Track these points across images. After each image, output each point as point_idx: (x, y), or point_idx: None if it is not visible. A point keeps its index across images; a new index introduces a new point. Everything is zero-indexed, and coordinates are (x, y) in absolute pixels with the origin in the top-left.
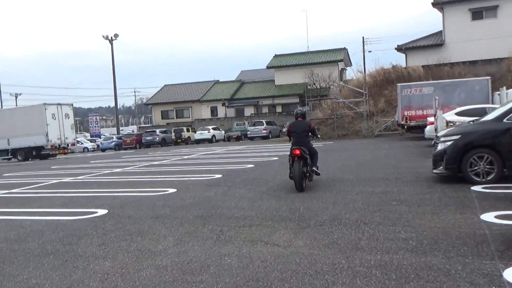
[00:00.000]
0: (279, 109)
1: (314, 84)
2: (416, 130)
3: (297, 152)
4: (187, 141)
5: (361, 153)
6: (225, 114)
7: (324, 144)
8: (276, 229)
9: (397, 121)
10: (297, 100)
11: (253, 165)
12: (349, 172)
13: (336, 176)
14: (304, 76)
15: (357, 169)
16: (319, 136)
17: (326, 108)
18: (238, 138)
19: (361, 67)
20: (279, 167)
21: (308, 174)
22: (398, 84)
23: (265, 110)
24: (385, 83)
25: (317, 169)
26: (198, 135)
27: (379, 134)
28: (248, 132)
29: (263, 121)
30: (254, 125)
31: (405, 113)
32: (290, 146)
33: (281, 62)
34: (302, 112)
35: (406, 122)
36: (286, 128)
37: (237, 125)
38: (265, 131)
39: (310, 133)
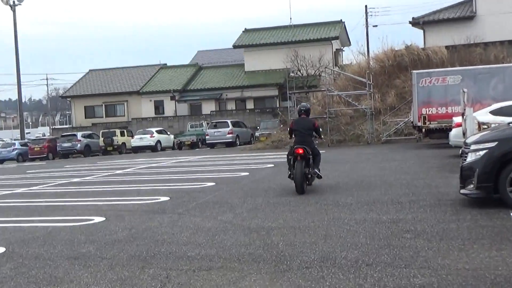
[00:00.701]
0: (250, 105)
1: (299, 71)
2: (438, 134)
3: (301, 151)
4: (121, 149)
5: (363, 166)
6: (175, 111)
7: None
8: (245, 273)
9: (412, 122)
10: (275, 92)
11: (213, 183)
12: (346, 193)
13: (329, 199)
14: (285, 60)
15: (358, 189)
16: (322, 136)
17: (315, 104)
18: (193, 145)
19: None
20: (251, 185)
21: (309, 176)
22: (414, 71)
23: (231, 106)
24: (396, 69)
25: (319, 171)
26: (136, 140)
27: (387, 140)
28: (207, 137)
29: (228, 121)
30: (215, 126)
31: (423, 111)
32: (292, 145)
33: (253, 40)
34: (306, 109)
35: (425, 123)
36: (289, 125)
37: (191, 126)
38: (230, 135)
39: (313, 132)
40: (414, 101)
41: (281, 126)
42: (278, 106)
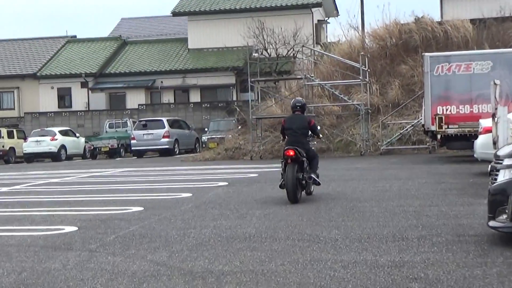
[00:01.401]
0: (195, 97)
1: (266, 50)
2: (458, 143)
3: (291, 152)
4: (9, 157)
5: (354, 187)
6: (88, 103)
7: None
8: None
9: (422, 126)
10: (231, 80)
11: (141, 208)
12: (330, 225)
13: (306, 232)
14: (246, 34)
15: (346, 219)
16: (321, 135)
17: (288, 98)
18: (112, 153)
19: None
20: (195, 211)
21: (304, 182)
22: (426, 54)
23: (168, 97)
24: (401, 51)
25: (317, 177)
26: (31, 145)
27: (388, 150)
28: (133, 141)
29: (164, 120)
30: (145, 127)
31: (439, 110)
32: (284, 146)
33: (200, 4)
34: (302, 104)
35: (440, 127)
36: (281, 124)
37: (111, 126)
38: (166, 139)
39: (309, 131)
40: (426, 96)
41: (239, 127)
42: (235, 99)
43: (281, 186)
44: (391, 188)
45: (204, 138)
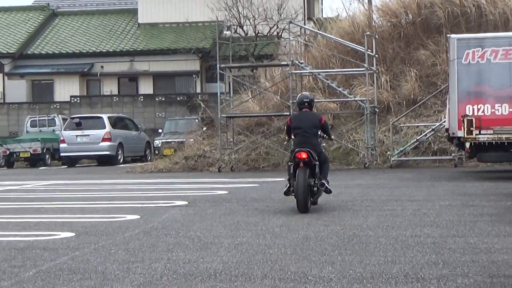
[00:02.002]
0: (146, 87)
1: (241, 27)
2: (494, 154)
3: (304, 155)
4: None
5: (355, 209)
6: (3, 94)
7: (261, 184)
8: None
9: (446, 131)
10: (195, 65)
11: (72, 234)
12: (322, 259)
13: (289, 269)
14: (215, 6)
15: (344, 252)
16: (333, 137)
17: (269, 91)
18: (34, 159)
19: None
20: (143, 239)
21: (316, 189)
22: (453, 35)
23: (110, 87)
24: (420, 31)
25: (328, 183)
26: None
27: (401, 162)
28: (62, 145)
29: (104, 117)
30: (78, 126)
31: (468, 109)
32: (292, 148)
33: None
34: (310, 100)
35: (470, 132)
36: (286, 123)
37: (33, 124)
38: (107, 143)
39: (320, 131)
40: (451, 91)
41: (204, 129)
42: (199, 91)
43: (286, 193)
44: (403, 212)
45: (158, 142)
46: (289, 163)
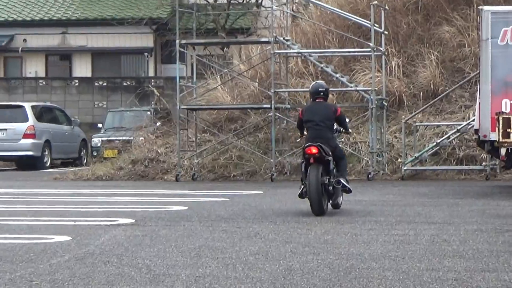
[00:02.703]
0: (83, 69)
1: None
2: None
3: (314, 150)
4: None
5: (353, 233)
6: None
7: (231, 198)
8: None
9: (475, 132)
10: (147, 41)
11: None
12: None
13: None
14: None
15: None
16: (350, 130)
17: (245, 77)
18: None
19: None
20: (75, 268)
21: (331, 188)
22: (486, 8)
23: (36, 67)
24: (442, 1)
25: (347, 182)
26: None
27: (416, 172)
28: None
29: (26, 106)
30: None
31: (505, 104)
32: (304, 143)
33: None
34: (325, 89)
35: (506, 135)
36: (298, 116)
37: None
38: (30, 141)
39: (335, 124)
40: (483, 80)
41: (158, 124)
42: (152, 74)
43: (301, 195)
44: (417, 239)
45: (97, 140)
46: (301, 161)
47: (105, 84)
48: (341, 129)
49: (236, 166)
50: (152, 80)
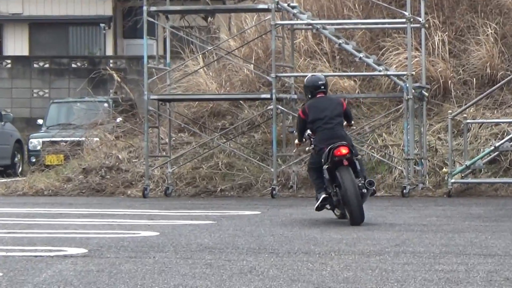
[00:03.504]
0: (19, 45)
1: None
2: None
3: (345, 150)
4: None
5: (383, 267)
6: None
7: (218, 220)
8: None
9: None
10: (106, 7)
11: None
12: None
13: None
14: None
15: None
16: (353, 122)
17: (235, 57)
18: None
19: None
20: None
21: (365, 191)
22: None
23: None
24: None
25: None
26: None
27: (467, 187)
28: None
29: None
30: None
31: None
32: (316, 148)
33: None
34: (325, 82)
35: None
36: (298, 117)
37: None
38: None
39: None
40: None
41: (118, 120)
42: (111, 53)
43: (320, 207)
44: (469, 276)
45: (36, 142)
46: (312, 166)
47: (47, 65)
48: (347, 123)
49: (225, 178)
50: (111, 61)
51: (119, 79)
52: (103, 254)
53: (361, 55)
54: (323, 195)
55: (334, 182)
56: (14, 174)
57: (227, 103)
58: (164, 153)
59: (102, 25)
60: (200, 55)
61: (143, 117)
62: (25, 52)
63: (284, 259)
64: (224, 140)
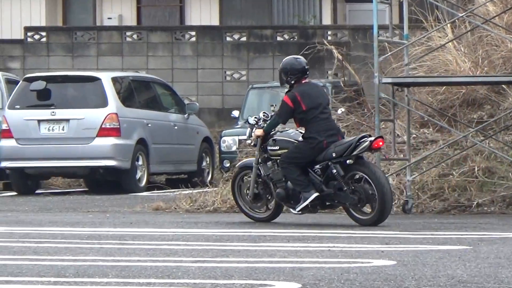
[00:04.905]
0: (207, 13)
1: None
2: None
3: (381, 142)
4: None
5: None
6: None
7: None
8: None
9: None
10: None
11: None
12: None
13: None
14: None
15: None
16: None
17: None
18: None
19: None
20: None
21: None
22: None
23: (121, 10)
24: None
25: None
26: None
27: None
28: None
29: (103, 79)
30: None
31: None
32: (316, 139)
33: None
34: (308, 67)
35: None
36: (285, 104)
37: None
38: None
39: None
40: None
41: (341, 111)
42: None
43: (306, 209)
44: None
45: (230, 141)
46: (292, 161)
47: (243, 38)
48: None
49: (483, 188)
50: (329, 32)
51: (340, 57)
52: None
53: None
54: (314, 194)
55: (350, 178)
56: (201, 183)
57: (485, 88)
58: (402, 156)
59: None
60: (449, 25)
61: (373, 107)
62: (215, 22)
63: None
64: (482, 138)
